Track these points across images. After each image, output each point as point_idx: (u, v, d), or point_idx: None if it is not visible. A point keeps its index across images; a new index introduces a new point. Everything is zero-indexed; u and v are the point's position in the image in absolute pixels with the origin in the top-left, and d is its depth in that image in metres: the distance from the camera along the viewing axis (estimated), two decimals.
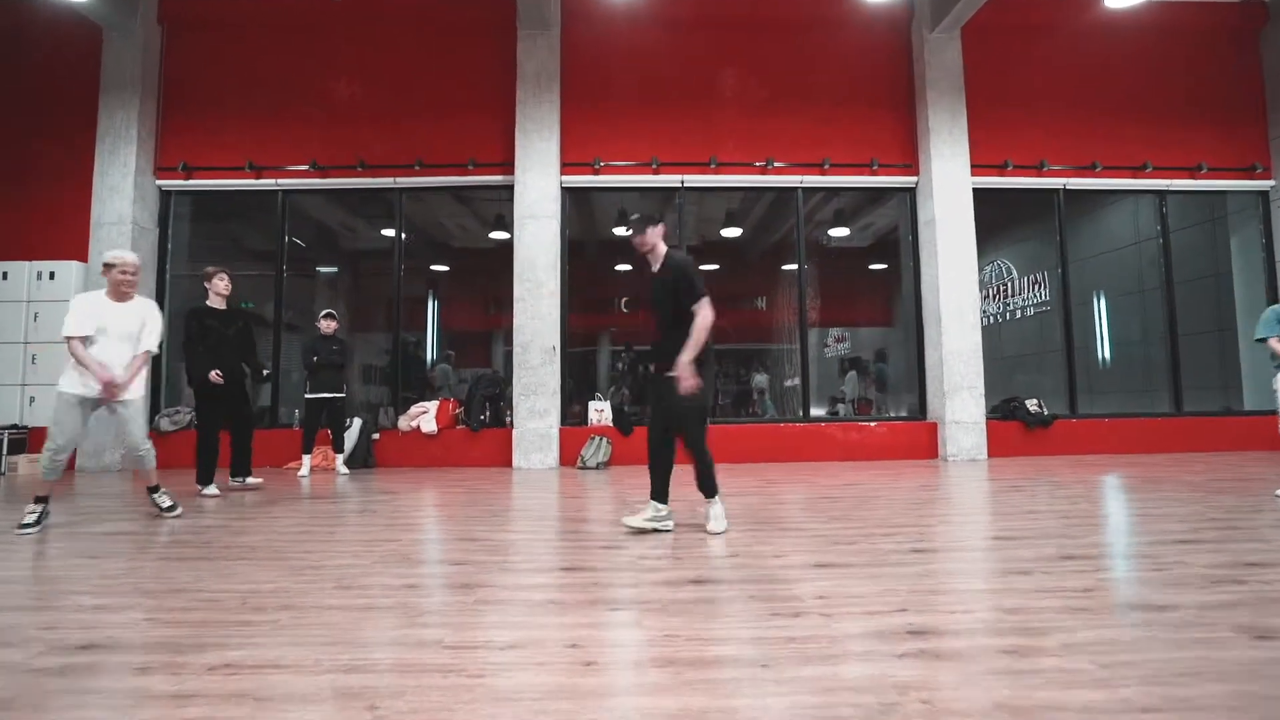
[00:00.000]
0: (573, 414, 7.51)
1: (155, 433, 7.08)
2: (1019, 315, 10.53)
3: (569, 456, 6.95)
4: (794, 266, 8.81)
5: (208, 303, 5.26)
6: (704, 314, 3.33)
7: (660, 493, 3.48)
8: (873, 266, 11.84)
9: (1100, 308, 9.75)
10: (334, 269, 10.92)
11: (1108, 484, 5.08)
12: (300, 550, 3.07)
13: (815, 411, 7.88)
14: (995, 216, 7.98)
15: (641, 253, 3.53)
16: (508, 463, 6.95)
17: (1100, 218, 9.40)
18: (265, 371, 5.60)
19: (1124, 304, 9.53)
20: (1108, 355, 9.83)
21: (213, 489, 5.07)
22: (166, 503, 4.08)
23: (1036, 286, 10.14)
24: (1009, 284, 10.74)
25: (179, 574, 2.67)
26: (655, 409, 3.51)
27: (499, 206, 9.15)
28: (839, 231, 10.29)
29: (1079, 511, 3.90)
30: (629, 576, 2.59)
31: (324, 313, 6.37)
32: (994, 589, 2.34)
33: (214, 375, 5.09)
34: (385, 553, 3.01)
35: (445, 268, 11.34)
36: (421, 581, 2.53)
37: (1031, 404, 7.51)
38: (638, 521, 3.43)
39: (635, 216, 3.53)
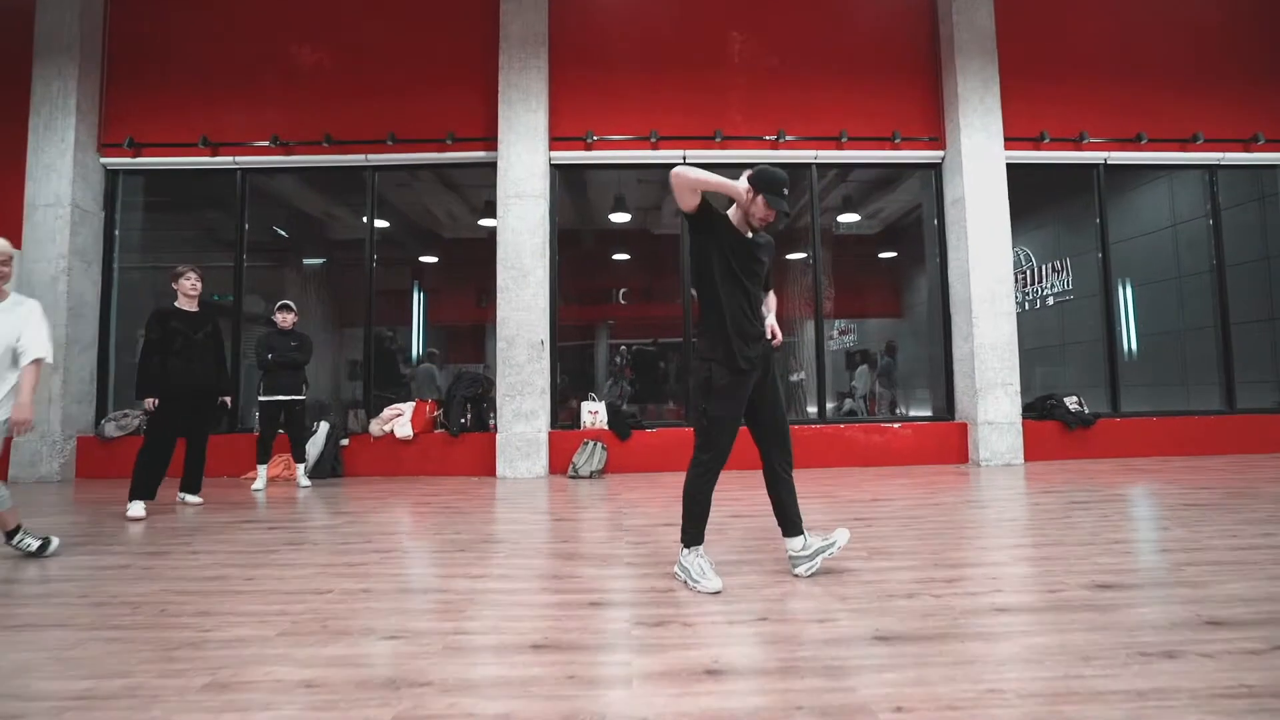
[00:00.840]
0: (565, 416, 6.78)
1: (99, 438, 6.36)
2: (1038, 305, 9.85)
3: (559, 463, 6.23)
4: (801, 255, 8.09)
5: (175, 304, 4.65)
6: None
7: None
8: (882, 255, 11.14)
9: (1126, 296, 9.05)
10: (320, 260, 10.22)
11: (1181, 497, 4.36)
12: (192, 611, 2.35)
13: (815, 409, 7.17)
14: (1013, 200, 7.25)
15: (763, 225, 2.64)
16: (491, 471, 6.23)
17: (1132, 199, 8.67)
18: (224, 399, 4.94)
19: (1157, 292, 8.81)
20: (1134, 347, 9.13)
21: (139, 508, 4.35)
22: (34, 545, 3.20)
23: (1057, 274, 9.45)
24: (1028, 272, 10.03)
25: (3, 658, 1.95)
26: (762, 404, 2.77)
27: (490, 192, 8.40)
28: (848, 217, 9.58)
29: (1179, 541, 3.18)
30: (619, 661, 1.87)
31: (279, 304, 5.63)
32: (1138, 687, 1.61)
33: (149, 403, 4.62)
34: (301, 615, 2.29)
35: (434, 259, 10.62)
36: (327, 676, 1.81)
37: (1071, 402, 6.78)
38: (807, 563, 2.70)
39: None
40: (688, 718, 1.53)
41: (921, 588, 2.51)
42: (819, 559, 2.67)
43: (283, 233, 9.22)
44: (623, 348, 9.11)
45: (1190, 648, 1.88)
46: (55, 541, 3.27)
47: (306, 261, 9.98)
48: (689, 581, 2.55)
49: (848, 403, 9.91)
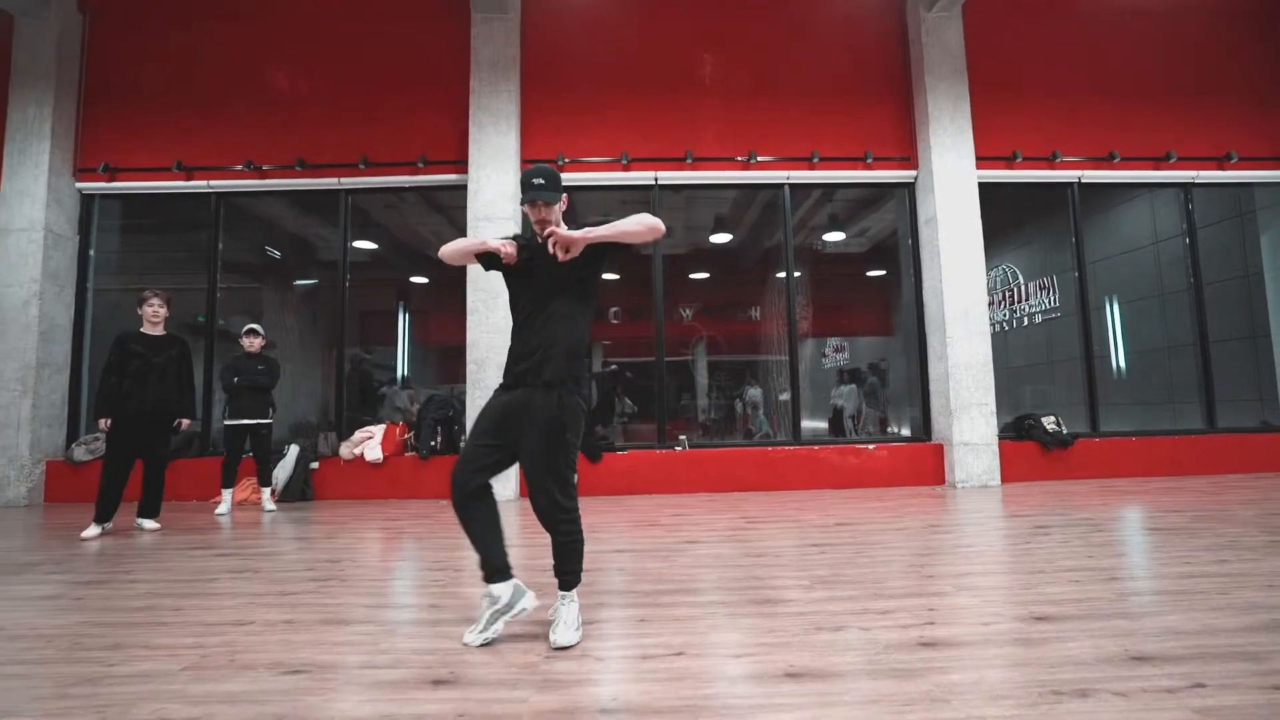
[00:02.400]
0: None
1: (69, 463, 6.32)
2: (1025, 323, 9.81)
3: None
4: (782, 275, 8.07)
5: (140, 328, 4.71)
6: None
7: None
8: (870, 273, 11.15)
9: (1113, 314, 9.02)
10: (312, 280, 10.25)
11: (1150, 520, 4.30)
12: (105, 644, 2.30)
13: (806, 426, 7.12)
14: (998, 217, 7.26)
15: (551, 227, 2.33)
16: None
17: (1112, 217, 8.68)
18: (185, 422, 4.92)
19: (1139, 310, 8.78)
20: (1122, 365, 9.09)
21: (93, 530, 4.42)
22: None
23: (1044, 292, 9.42)
24: (1014, 290, 10.01)
25: None
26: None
27: None
28: (834, 236, 9.60)
29: (1130, 568, 3.13)
30: (516, 697, 1.81)
31: (246, 328, 5.62)
32: None
33: (102, 424, 4.60)
34: (213, 648, 2.24)
35: (424, 279, 10.65)
36: (215, 713, 1.75)
37: (1049, 422, 6.72)
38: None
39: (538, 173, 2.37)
40: None
41: (853, 619, 2.45)
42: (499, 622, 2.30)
43: (275, 253, 9.25)
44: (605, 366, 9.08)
45: (1106, 685, 1.82)
46: None
47: (297, 282, 10.00)
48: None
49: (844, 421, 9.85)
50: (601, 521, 4.74)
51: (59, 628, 2.53)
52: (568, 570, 2.36)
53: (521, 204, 2.39)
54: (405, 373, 10.40)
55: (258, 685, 1.95)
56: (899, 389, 9.87)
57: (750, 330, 11.19)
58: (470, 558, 3.69)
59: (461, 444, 6.45)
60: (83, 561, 3.77)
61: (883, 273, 11.11)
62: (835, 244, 9.73)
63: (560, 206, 2.40)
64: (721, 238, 9.63)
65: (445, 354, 11.18)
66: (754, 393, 10.46)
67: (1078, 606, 2.58)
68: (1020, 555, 3.45)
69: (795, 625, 2.40)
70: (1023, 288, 9.90)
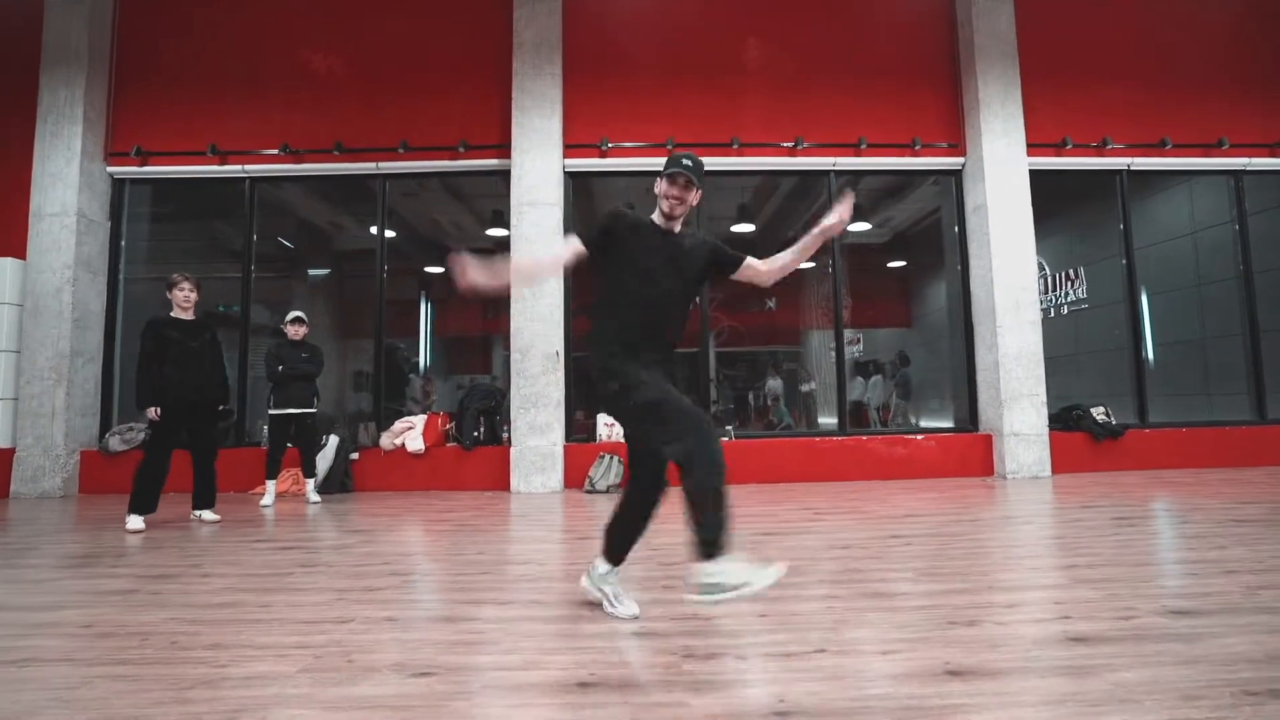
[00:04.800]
0: (578, 428, 6.63)
1: (104, 453, 6.21)
2: (1052, 314, 9.70)
3: (575, 478, 6.07)
4: (810, 265, 7.92)
5: (171, 313, 4.53)
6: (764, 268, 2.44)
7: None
8: (890, 264, 11.03)
9: (1145, 304, 8.91)
10: (324, 271, 10.13)
11: (1226, 512, 4.19)
12: (207, 644, 2.20)
13: (826, 420, 7.01)
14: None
15: (682, 210, 2.30)
16: (505, 485, 6.07)
17: (1149, 207, 8.55)
18: (225, 408, 4.81)
19: (1176, 300, 8.66)
20: (1150, 356, 8.99)
21: (138, 522, 4.26)
22: None
23: (1071, 283, 9.31)
24: (1042, 281, 9.90)
25: (9, 697, 1.80)
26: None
27: (497, 201, 8.31)
28: (858, 226, 9.46)
29: (1241, 561, 3.01)
30: (674, 701, 1.70)
31: (291, 316, 5.50)
32: None
33: (151, 413, 4.41)
34: (324, 648, 2.14)
35: (440, 269, 10.52)
36: None
37: (1098, 413, 6.62)
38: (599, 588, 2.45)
39: (688, 156, 2.29)
40: None
41: (981, 614, 2.35)
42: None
43: (287, 244, 9.13)
44: None
45: None
46: None
47: (311, 272, 9.88)
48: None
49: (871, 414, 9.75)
50: (664, 512, 4.64)
51: (147, 625, 2.42)
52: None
53: (663, 174, 2.27)
54: (427, 363, 10.30)
55: (389, 689, 1.84)
56: (918, 380, 9.79)
57: (767, 321, 11.09)
58: (548, 554, 3.57)
59: (504, 435, 6.36)
60: (143, 555, 3.66)
61: (903, 264, 11.00)
62: (856, 234, 9.61)
63: (695, 197, 2.30)
64: (744, 227, 9.49)
65: (462, 345, 11.10)
66: (774, 384, 10.36)
67: (1210, 601, 2.47)
68: (1118, 547, 3.35)
69: (924, 620, 2.29)
70: (1050, 279, 9.79)
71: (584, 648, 2.11)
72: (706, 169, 2.39)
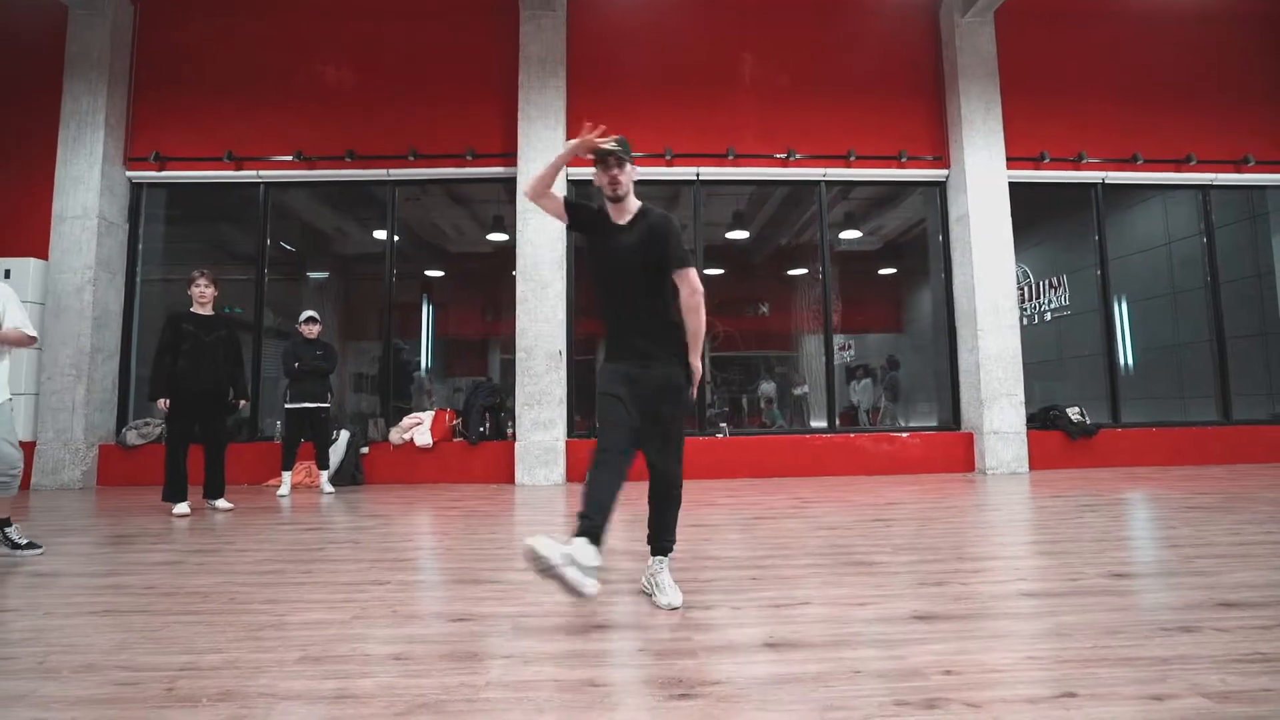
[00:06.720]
0: (579, 425, 6.91)
1: (121, 446, 6.46)
2: (1036, 321, 10.07)
3: (577, 471, 6.36)
4: (802, 271, 8.27)
5: (190, 308, 4.78)
6: (698, 288, 2.39)
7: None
8: (882, 271, 11.39)
9: (1122, 311, 9.29)
10: (324, 274, 10.38)
11: (1184, 501, 4.53)
12: (262, 600, 2.48)
13: (818, 422, 7.34)
14: (1011, 218, 7.50)
15: (613, 193, 2.41)
16: (509, 478, 6.35)
17: (1126, 218, 8.94)
18: (241, 401, 5.03)
19: (1152, 308, 9.05)
20: (1130, 361, 9.36)
21: (184, 507, 4.57)
22: (18, 539, 3.30)
23: (1054, 291, 9.68)
24: (1025, 289, 10.27)
25: (99, 637, 2.07)
26: (621, 417, 2.39)
27: (497, 207, 8.61)
28: (849, 234, 9.81)
29: (1186, 538, 3.34)
30: (689, 622, 2.00)
31: (305, 315, 5.77)
32: (1162, 655, 1.76)
33: (160, 404, 4.66)
34: (368, 602, 2.42)
35: (440, 272, 10.80)
36: (412, 651, 1.94)
37: (1073, 412, 6.97)
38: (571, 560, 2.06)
39: (616, 139, 2.38)
40: (758, 682, 1.67)
41: (950, 576, 2.66)
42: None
43: (289, 247, 9.38)
44: None
45: (1206, 624, 2.03)
46: (41, 548, 3.35)
47: (312, 275, 10.12)
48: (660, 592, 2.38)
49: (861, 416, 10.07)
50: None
51: (203, 586, 2.69)
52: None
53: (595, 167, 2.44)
54: (429, 364, 10.55)
55: (434, 629, 2.13)
56: (908, 384, 10.13)
57: (760, 326, 11.41)
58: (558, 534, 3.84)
59: (509, 430, 6.64)
60: (179, 535, 3.92)
61: (894, 270, 11.36)
62: (847, 242, 9.95)
63: (630, 173, 2.45)
64: (738, 234, 9.81)
65: (462, 347, 11.37)
66: (767, 387, 10.67)
67: (1150, 567, 2.80)
68: (1079, 527, 3.67)
69: (899, 581, 2.60)
70: (1034, 286, 10.16)
71: (598, 603, 2.40)
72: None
